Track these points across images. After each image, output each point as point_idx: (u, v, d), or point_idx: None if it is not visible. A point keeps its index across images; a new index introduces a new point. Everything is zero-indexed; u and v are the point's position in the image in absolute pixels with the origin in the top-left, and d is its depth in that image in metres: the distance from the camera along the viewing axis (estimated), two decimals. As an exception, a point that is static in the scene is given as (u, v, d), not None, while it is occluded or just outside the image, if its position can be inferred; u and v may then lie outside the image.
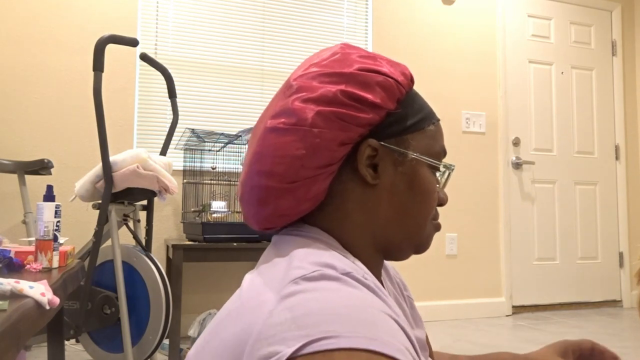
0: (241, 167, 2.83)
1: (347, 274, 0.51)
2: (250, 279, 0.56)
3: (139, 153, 2.01)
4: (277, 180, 0.58)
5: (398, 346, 0.44)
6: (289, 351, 0.42)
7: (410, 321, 0.74)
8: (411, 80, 0.64)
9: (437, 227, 0.67)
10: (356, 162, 0.60)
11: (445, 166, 0.66)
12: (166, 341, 2.47)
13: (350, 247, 0.61)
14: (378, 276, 0.65)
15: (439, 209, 2.90)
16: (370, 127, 0.60)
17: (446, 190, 3.51)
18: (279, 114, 0.59)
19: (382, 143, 0.61)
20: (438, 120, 0.66)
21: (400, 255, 0.65)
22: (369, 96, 0.58)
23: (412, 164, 0.62)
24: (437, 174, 0.66)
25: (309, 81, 0.59)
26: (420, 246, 0.65)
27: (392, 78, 0.61)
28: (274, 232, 0.66)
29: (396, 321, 0.48)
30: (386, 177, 0.61)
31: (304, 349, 0.42)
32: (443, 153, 0.66)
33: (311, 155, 0.57)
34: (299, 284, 0.48)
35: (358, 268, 0.53)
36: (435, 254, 3.46)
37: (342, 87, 0.58)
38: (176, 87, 2.79)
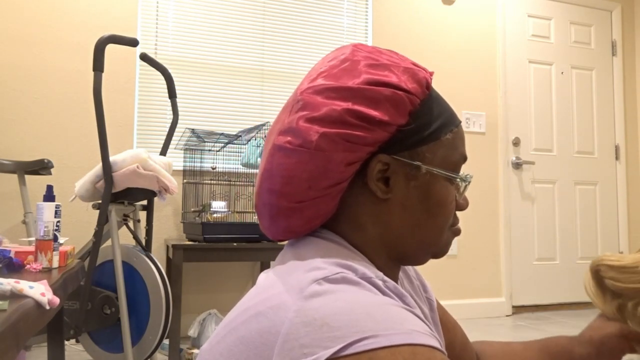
0: (241, 167, 2.84)
1: (368, 279, 0.51)
2: (266, 277, 0.56)
3: (139, 153, 2.01)
4: (286, 200, 0.58)
5: (433, 335, 0.45)
6: (327, 353, 0.42)
7: (430, 324, 0.73)
8: (427, 87, 0.60)
9: (457, 232, 0.65)
10: (366, 177, 0.58)
11: (461, 179, 0.63)
12: (166, 341, 2.47)
13: (365, 254, 0.61)
14: (394, 281, 0.65)
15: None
16: (379, 145, 0.57)
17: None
18: (286, 132, 0.58)
19: (394, 157, 0.58)
20: (458, 124, 0.63)
21: (415, 262, 0.64)
22: (376, 114, 0.56)
23: (426, 178, 0.59)
24: (456, 181, 0.63)
25: (314, 96, 0.57)
26: (438, 253, 0.64)
27: (402, 90, 0.57)
28: None
29: (419, 317, 0.49)
30: (398, 191, 0.59)
31: (344, 351, 0.42)
32: (463, 160, 0.63)
33: (318, 177, 0.56)
34: (321, 285, 0.48)
35: (378, 272, 0.53)
36: (435, 254, 3.46)
37: (348, 105, 0.56)
38: (176, 87, 2.79)
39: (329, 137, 0.55)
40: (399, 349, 0.42)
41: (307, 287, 0.48)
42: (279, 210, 0.59)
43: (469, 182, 0.64)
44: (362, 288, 0.49)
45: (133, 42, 2.08)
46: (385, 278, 0.53)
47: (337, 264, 0.52)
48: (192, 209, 2.74)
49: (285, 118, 0.59)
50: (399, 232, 0.60)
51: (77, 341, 2.17)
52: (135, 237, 2.19)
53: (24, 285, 1.04)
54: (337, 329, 0.43)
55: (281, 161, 0.57)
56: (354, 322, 0.44)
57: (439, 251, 0.64)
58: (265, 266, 2.99)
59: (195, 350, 2.35)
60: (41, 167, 2.33)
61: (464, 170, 3.57)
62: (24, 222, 2.39)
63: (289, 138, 0.57)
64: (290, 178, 0.57)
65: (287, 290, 0.50)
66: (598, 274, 0.74)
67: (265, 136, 2.79)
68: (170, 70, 2.72)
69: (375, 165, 0.58)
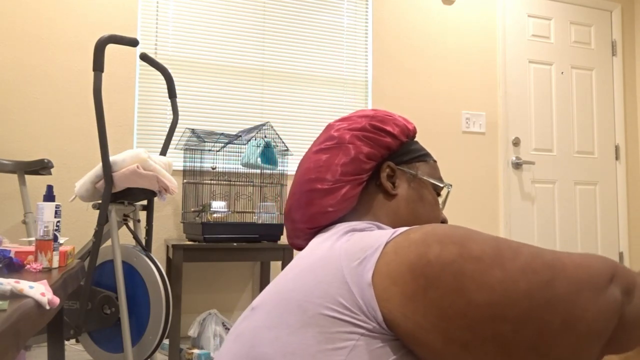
0: (241, 167, 2.83)
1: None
2: (301, 252, 0.71)
3: (139, 153, 2.01)
4: (323, 183, 0.77)
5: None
6: (382, 242, 0.59)
7: None
8: (415, 131, 0.86)
9: None
10: (379, 179, 0.80)
11: (445, 185, 0.86)
12: (166, 341, 2.47)
13: None
14: None
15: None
16: (389, 151, 0.81)
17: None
18: (323, 142, 0.80)
19: (398, 167, 0.82)
20: (435, 161, 0.88)
21: None
22: (387, 127, 0.81)
23: (420, 183, 0.83)
24: (439, 199, 0.85)
25: (341, 122, 0.83)
26: None
27: (403, 122, 0.84)
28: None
29: None
30: (402, 190, 0.80)
31: (392, 237, 0.59)
32: (441, 181, 0.85)
33: (347, 164, 0.77)
34: (355, 231, 0.67)
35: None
36: (435, 254, 3.45)
37: (368, 121, 0.81)
38: (176, 87, 2.79)
39: (356, 136, 0.79)
40: (425, 227, 0.59)
41: (348, 233, 0.66)
42: (316, 193, 0.77)
43: (450, 188, 0.88)
44: None
45: (133, 42, 2.08)
46: None
47: (367, 223, 0.71)
48: (192, 209, 2.74)
49: (319, 138, 0.82)
50: (403, 222, 0.79)
51: (77, 341, 2.17)
52: (135, 237, 2.19)
53: (24, 285, 1.04)
54: (381, 235, 0.61)
55: (320, 157, 0.79)
56: (390, 229, 0.62)
57: None
58: (265, 266, 2.99)
59: (196, 350, 2.35)
60: (41, 167, 2.33)
61: (459, 167, 3.57)
62: (24, 222, 2.39)
63: (327, 143, 0.80)
64: (328, 166, 0.78)
65: (328, 248, 0.63)
66: None
67: (265, 136, 2.79)
68: (170, 70, 2.72)
69: (385, 168, 0.81)
